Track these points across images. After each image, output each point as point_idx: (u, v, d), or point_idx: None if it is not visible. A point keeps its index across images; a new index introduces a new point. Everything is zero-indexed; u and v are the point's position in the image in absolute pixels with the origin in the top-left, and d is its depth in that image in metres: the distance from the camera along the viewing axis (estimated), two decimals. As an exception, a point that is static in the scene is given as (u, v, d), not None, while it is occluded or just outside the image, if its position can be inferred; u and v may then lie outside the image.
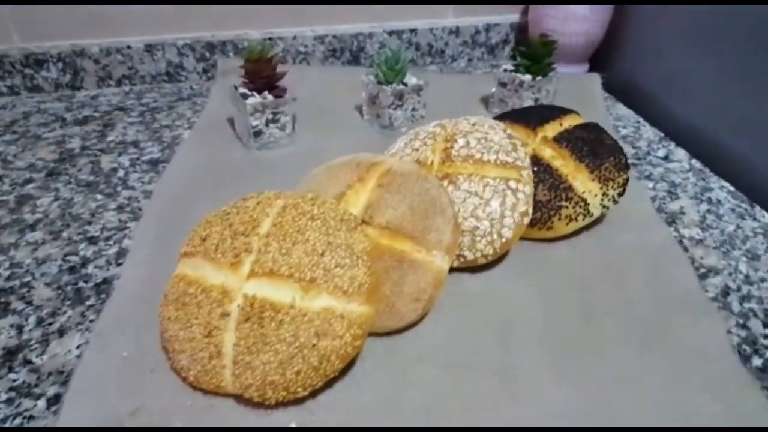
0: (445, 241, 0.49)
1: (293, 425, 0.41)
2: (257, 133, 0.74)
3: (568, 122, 0.65)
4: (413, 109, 0.81)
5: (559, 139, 0.62)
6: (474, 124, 0.59)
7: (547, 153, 0.61)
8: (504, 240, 0.53)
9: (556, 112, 0.66)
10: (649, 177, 0.75)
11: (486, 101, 0.91)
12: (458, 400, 0.44)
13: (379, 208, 0.49)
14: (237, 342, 0.41)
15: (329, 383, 0.43)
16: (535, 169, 0.59)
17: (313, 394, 0.43)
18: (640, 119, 0.90)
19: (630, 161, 0.78)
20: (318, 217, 0.44)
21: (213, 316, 0.42)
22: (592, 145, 0.61)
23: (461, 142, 0.56)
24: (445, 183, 0.54)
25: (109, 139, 0.79)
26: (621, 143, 0.82)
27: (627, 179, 0.62)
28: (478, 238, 0.53)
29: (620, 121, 0.90)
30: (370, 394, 0.44)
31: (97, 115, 0.85)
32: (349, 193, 0.51)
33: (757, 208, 0.69)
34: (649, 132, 0.87)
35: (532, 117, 0.65)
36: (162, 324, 0.45)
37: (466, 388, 0.45)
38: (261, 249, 0.43)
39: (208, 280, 0.44)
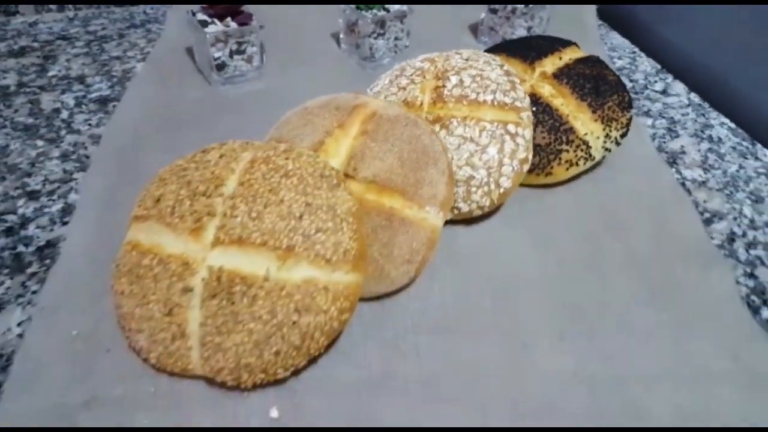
0: (440, 194, 0.44)
1: (274, 410, 0.37)
2: (220, 66, 0.66)
3: (568, 56, 0.59)
4: (396, 38, 0.72)
5: (559, 75, 0.55)
6: (467, 59, 0.51)
7: (547, 91, 0.54)
8: (502, 190, 0.48)
9: (554, 45, 0.59)
10: (647, 113, 0.70)
11: (475, 29, 0.82)
12: (456, 372, 0.40)
13: (364, 159, 0.43)
14: (203, 321, 0.35)
15: (313, 359, 0.38)
16: (534, 109, 0.53)
17: (295, 372, 0.38)
18: (636, 50, 0.84)
19: (629, 97, 0.73)
20: (293, 174, 0.38)
21: (173, 291, 0.36)
22: (595, 82, 0.55)
23: (454, 80, 0.49)
24: (437, 127, 0.48)
25: (51, 73, 0.69)
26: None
27: (630, 119, 0.57)
28: (474, 189, 0.47)
29: (615, 51, 0.83)
30: (359, 369, 0.39)
31: (36, 45, 0.74)
32: (328, 141, 0.44)
33: (759, 146, 0.65)
34: (645, 64, 0.80)
35: (528, 50, 0.58)
36: (116, 299, 0.39)
37: (465, 357, 0.40)
38: (227, 212, 0.36)
39: (165, 248, 0.37)
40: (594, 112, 0.54)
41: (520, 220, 0.52)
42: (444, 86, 0.49)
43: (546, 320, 0.43)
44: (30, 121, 0.61)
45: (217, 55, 0.64)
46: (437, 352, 0.41)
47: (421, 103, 0.50)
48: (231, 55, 0.65)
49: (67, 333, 0.40)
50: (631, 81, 0.76)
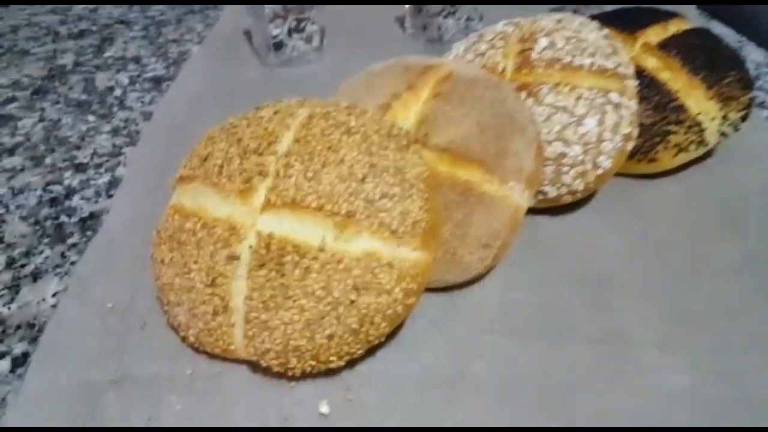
0: (527, 168, 0.37)
1: (324, 405, 0.30)
2: (278, 45, 0.62)
3: (675, 27, 0.51)
4: (468, 18, 0.66)
5: (666, 46, 0.47)
6: (559, 21, 0.45)
7: (651, 63, 0.47)
8: (600, 171, 0.40)
9: (658, 15, 0.51)
10: (761, 105, 0.60)
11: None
12: (540, 381, 0.32)
13: (437, 124, 0.37)
14: (249, 294, 0.30)
15: (371, 350, 0.32)
16: (638, 82, 0.45)
17: (351, 363, 0.32)
18: (743, 39, 0.74)
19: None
20: (356, 131, 0.32)
21: (217, 259, 0.31)
22: (709, 55, 0.47)
23: (544, 42, 0.43)
24: (523, 95, 0.41)
25: (107, 54, 0.67)
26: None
27: (752, 99, 0.48)
28: (566, 168, 0.40)
29: (717, 39, 0.74)
30: (424, 367, 0.33)
31: (94, 29, 0.74)
32: (395, 105, 0.38)
33: None
34: (755, 53, 0.71)
35: (628, 19, 0.51)
36: (155, 268, 0.34)
37: (551, 364, 0.33)
38: (280, 172, 0.31)
39: (210, 211, 0.32)
40: (709, 88, 0.45)
41: (616, 213, 0.44)
42: (532, 49, 0.43)
43: (649, 328, 0.35)
44: (83, 97, 0.59)
45: (275, 32, 0.60)
46: (517, 356, 0.34)
47: (504, 70, 0.43)
48: (290, 33, 0.61)
49: (101, 305, 0.36)
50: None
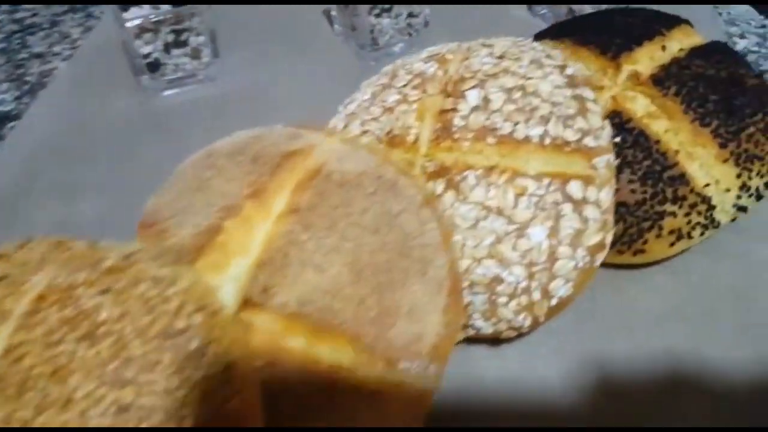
0: (430, 333, 0.23)
1: None
2: (153, 66, 0.47)
3: (676, 43, 0.35)
4: (410, 15, 0.51)
5: (663, 79, 0.33)
6: (501, 57, 0.30)
7: (640, 106, 0.32)
8: (555, 301, 0.27)
9: (653, 25, 0.36)
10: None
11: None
12: None
13: (287, 268, 0.23)
14: None
15: None
16: (618, 138, 0.31)
17: None
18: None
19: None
20: (107, 332, 0.18)
21: None
22: (724, 91, 0.32)
23: (473, 97, 0.28)
24: (440, 187, 0.27)
25: (-56, 80, 0.53)
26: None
27: (784, 152, 0.33)
28: (503, 299, 0.27)
29: (735, 25, 0.58)
30: None
31: (-57, 39, 0.58)
32: (228, 227, 0.24)
33: None
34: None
35: (611, 33, 0.35)
36: None
37: None
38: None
39: None
40: (724, 146, 0.31)
41: (587, 333, 0.31)
42: (456, 110, 0.28)
43: None
44: None
45: (145, 50, 0.45)
46: None
47: (417, 140, 0.29)
48: (167, 48, 0.46)
49: None
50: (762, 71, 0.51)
